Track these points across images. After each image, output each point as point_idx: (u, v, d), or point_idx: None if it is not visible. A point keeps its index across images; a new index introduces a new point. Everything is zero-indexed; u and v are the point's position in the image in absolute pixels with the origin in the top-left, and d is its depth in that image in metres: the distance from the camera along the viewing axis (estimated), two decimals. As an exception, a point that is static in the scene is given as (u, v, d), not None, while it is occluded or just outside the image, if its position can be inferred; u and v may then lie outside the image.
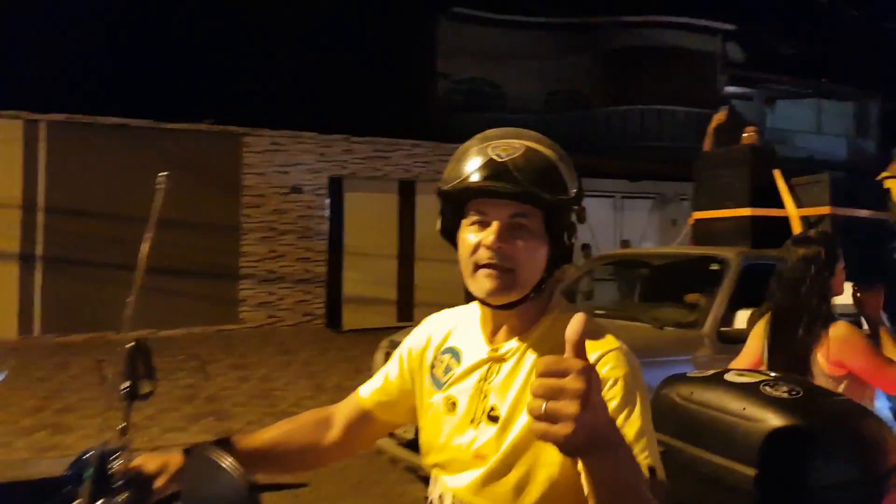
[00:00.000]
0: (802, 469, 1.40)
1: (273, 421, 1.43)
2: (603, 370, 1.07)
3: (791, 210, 4.92)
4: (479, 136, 1.20)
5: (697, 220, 5.63)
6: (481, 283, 1.13)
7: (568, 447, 0.75)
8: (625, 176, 14.60)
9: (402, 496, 4.34)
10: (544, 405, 0.74)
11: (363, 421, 1.39)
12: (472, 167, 1.12)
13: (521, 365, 1.16)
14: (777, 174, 5.11)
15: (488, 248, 1.11)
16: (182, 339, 9.98)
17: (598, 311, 4.56)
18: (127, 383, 1.33)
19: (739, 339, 3.77)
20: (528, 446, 1.10)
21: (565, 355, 0.77)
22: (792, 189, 5.04)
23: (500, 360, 1.19)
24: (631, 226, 14.91)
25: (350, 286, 11.66)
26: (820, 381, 2.24)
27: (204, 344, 9.72)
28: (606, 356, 1.09)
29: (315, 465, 1.42)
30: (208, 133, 11.20)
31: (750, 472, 1.43)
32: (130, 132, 10.52)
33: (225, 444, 1.27)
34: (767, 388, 1.55)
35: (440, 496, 1.23)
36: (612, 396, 1.04)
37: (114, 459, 1.19)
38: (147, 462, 1.23)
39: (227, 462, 1.04)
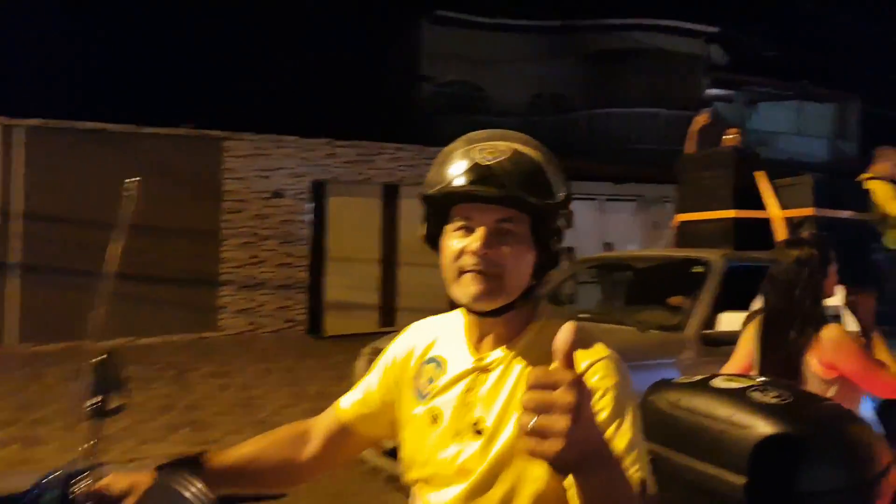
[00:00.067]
0: (792, 476, 1.38)
1: (253, 430, 1.39)
2: (592, 380, 1.04)
3: (774, 212, 4.93)
4: (463, 138, 1.16)
5: (681, 223, 5.63)
6: (466, 288, 1.09)
7: (558, 464, 0.72)
8: (608, 178, 14.64)
9: (382, 507, 4.28)
10: (533, 421, 0.71)
11: (343, 435, 1.35)
12: (456, 171, 1.09)
13: (508, 375, 1.13)
14: (760, 176, 5.12)
15: (473, 253, 1.08)
16: (160, 347, 9.84)
17: (581, 315, 4.54)
18: (95, 399, 1.28)
19: (723, 341, 3.78)
20: (513, 460, 1.07)
21: (554, 367, 0.73)
22: (775, 191, 5.06)
23: (486, 370, 1.15)
24: (614, 228, 14.94)
25: (332, 292, 11.57)
26: (811, 383, 2.24)
27: (183, 352, 9.58)
28: (596, 365, 1.06)
29: (293, 482, 1.37)
30: (188, 137, 11.07)
31: (739, 480, 1.41)
32: (109, 137, 10.37)
33: (197, 462, 1.22)
34: (755, 394, 1.53)
35: (421, 513, 1.20)
36: (602, 407, 1.01)
37: (79, 482, 1.13)
38: (115, 482, 1.17)
39: (193, 490, 0.99)
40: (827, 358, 2.22)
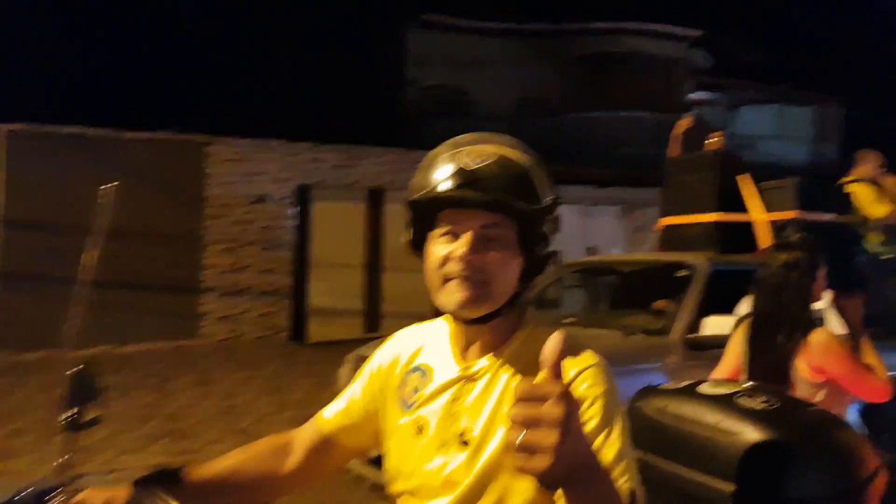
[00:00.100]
0: (780, 483, 1.37)
1: (236, 439, 1.36)
2: (581, 388, 1.02)
3: (758, 215, 4.95)
4: (448, 142, 1.13)
5: (665, 226, 5.65)
6: (451, 295, 1.07)
7: (547, 480, 0.70)
8: (592, 182, 14.69)
9: (366, 517, 4.22)
10: (521, 436, 0.69)
11: (326, 446, 1.32)
12: (441, 176, 1.07)
13: (494, 384, 1.11)
14: (743, 179, 5.14)
15: (459, 260, 1.05)
16: (141, 356, 9.69)
17: (566, 320, 4.54)
18: (70, 412, 1.25)
19: (708, 345, 3.79)
20: (500, 472, 1.05)
21: (542, 378, 0.71)
22: (758, 194, 5.08)
23: (472, 379, 1.13)
24: (598, 232, 14.96)
25: (316, 298, 11.47)
26: (800, 387, 2.24)
27: (164, 360, 9.44)
28: (584, 373, 1.04)
29: (274, 496, 1.33)
30: (170, 142, 10.96)
31: (727, 487, 1.40)
32: (90, 142, 10.25)
33: (175, 476, 1.19)
34: (742, 400, 1.52)
35: (406, 526, 1.17)
36: (591, 416, 0.99)
37: (52, 498, 1.09)
38: (89, 498, 1.13)
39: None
40: (816, 362, 2.22)
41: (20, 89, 13.05)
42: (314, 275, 11.51)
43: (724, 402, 1.52)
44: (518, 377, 1.08)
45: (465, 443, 1.09)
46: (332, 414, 1.33)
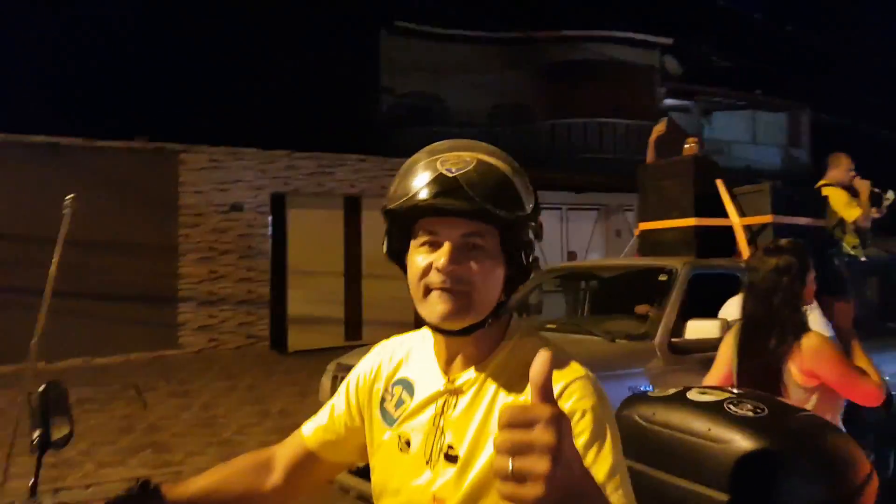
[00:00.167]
0: (772, 491, 1.35)
1: (216, 451, 1.31)
2: (569, 402, 0.98)
3: (734, 219, 4.99)
4: (426, 149, 1.10)
5: (643, 231, 5.67)
6: (433, 307, 1.03)
7: None
8: (569, 188, 14.77)
9: (352, 527, 4.18)
10: (510, 464, 0.64)
11: (308, 462, 1.27)
12: (420, 183, 1.03)
13: (481, 398, 1.07)
14: (720, 184, 5.18)
15: (440, 270, 1.02)
16: (118, 367, 9.57)
17: (549, 326, 4.52)
18: (37, 432, 1.19)
19: (691, 349, 3.80)
20: (489, 489, 1.01)
21: (531, 400, 0.67)
22: (734, 198, 5.12)
23: (457, 392, 1.10)
24: (577, 237, 15.08)
25: (295, 306, 11.40)
26: (792, 391, 2.22)
27: (141, 371, 9.31)
28: (572, 386, 1.01)
29: None
30: (142, 151, 10.82)
31: (720, 496, 1.38)
32: (61, 151, 10.08)
33: (152, 495, 1.14)
34: (731, 407, 1.50)
35: (393, 544, 1.13)
36: (581, 431, 0.96)
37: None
38: None
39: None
40: (807, 366, 2.21)
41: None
42: (293, 283, 11.44)
43: (714, 410, 1.50)
44: (504, 390, 1.05)
45: (452, 458, 1.06)
46: (312, 430, 1.29)
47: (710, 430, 1.45)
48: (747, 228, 4.97)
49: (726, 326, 3.48)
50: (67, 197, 1.20)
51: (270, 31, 16.30)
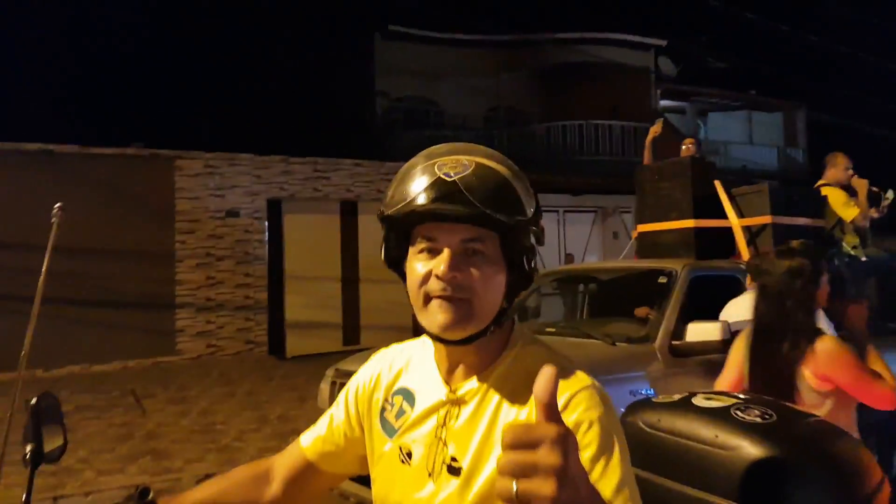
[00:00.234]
0: (782, 499, 1.32)
1: (215, 457, 1.28)
2: (574, 413, 0.95)
3: (733, 220, 4.96)
4: (423, 152, 1.06)
5: (641, 233, 5.64)
6: (434, 317, 1.00)
7: None
8: (566, 190, 14.77)
9: (353, 534, 4.14)
10: (514, 486, 0.61)
11: (307, 474, 1.24)
12: (417, 188, 0.99)
13: (484, 408, 1.04)
14: (718, 185, 5.16)
15: (440, 278, 0.98)
16: (116, 374, 9.53)
17: (548, 329, 4.48)
18: (29, 447, 1.16)
19: (692, 352, 3.77)
20: (495, 501, 0.98)
21: (535, 418, 0.64)
22: (732, 199, 5.10)
23: (460, 402, 1.06)
24: (574, 240, 15.07)
25: (293, 311, 11.37)
26: (806, 396, 2.18)
27: (140, 378, 9.26)
28: (577, 397, 0.97)
29: None
30: (138, 157, 10.79)
31: (725, 504, 1.35)
32: (56, 158, 10.04)
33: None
34: (739, 413, 1.47)
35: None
36: (588, 443, 0.92)
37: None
38: None
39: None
40: (822, 370, 2.17)
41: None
42: (290, 288, 11.41)
43: (721, 416, 1.47)
44: (507, 401, 1.02)
45: (455, 471, 1.03)
46: (311, 440, 1.26)
47: (717, 436, 1.42)
48: (746, 229, 4.95)
49: (728, 329, 3.45)
50: (55, 206, 1.17)
51: (265, 38, 16.30)
